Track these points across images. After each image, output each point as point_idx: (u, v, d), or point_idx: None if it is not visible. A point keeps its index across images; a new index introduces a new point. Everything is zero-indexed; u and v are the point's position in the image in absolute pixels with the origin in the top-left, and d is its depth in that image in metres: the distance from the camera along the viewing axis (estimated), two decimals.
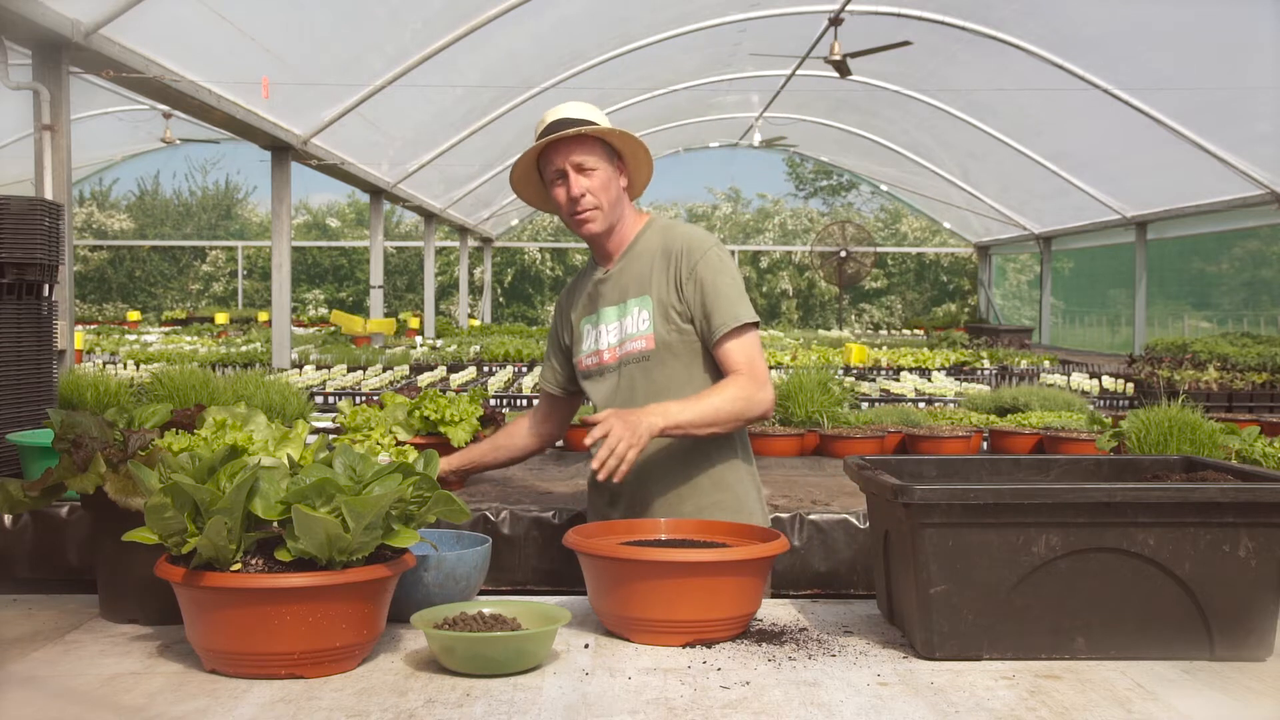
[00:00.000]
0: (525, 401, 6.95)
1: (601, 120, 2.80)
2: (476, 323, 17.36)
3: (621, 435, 2.45)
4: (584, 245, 3.10)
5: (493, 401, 6.30)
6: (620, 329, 2.79)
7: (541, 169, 2.82)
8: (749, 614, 2.05)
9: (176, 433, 2.17)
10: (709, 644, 1.98)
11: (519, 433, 3.13)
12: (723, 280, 2.72)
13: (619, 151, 2.80)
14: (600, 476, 2.45)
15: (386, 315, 14.83)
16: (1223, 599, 1.90)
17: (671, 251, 2.76)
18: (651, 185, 2.92)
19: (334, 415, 4.28)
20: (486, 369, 9.53)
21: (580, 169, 2.73)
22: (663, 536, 2.26)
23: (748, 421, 2.71)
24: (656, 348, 2.73)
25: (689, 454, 2.75)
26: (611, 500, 2.80)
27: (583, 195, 2.73)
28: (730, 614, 2.00)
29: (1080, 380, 7.85)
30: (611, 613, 2.03)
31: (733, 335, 2.70)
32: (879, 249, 22.14)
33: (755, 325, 2.73)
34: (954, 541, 1.88)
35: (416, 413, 3.47)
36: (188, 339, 13.35)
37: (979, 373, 9.63)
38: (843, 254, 20.23)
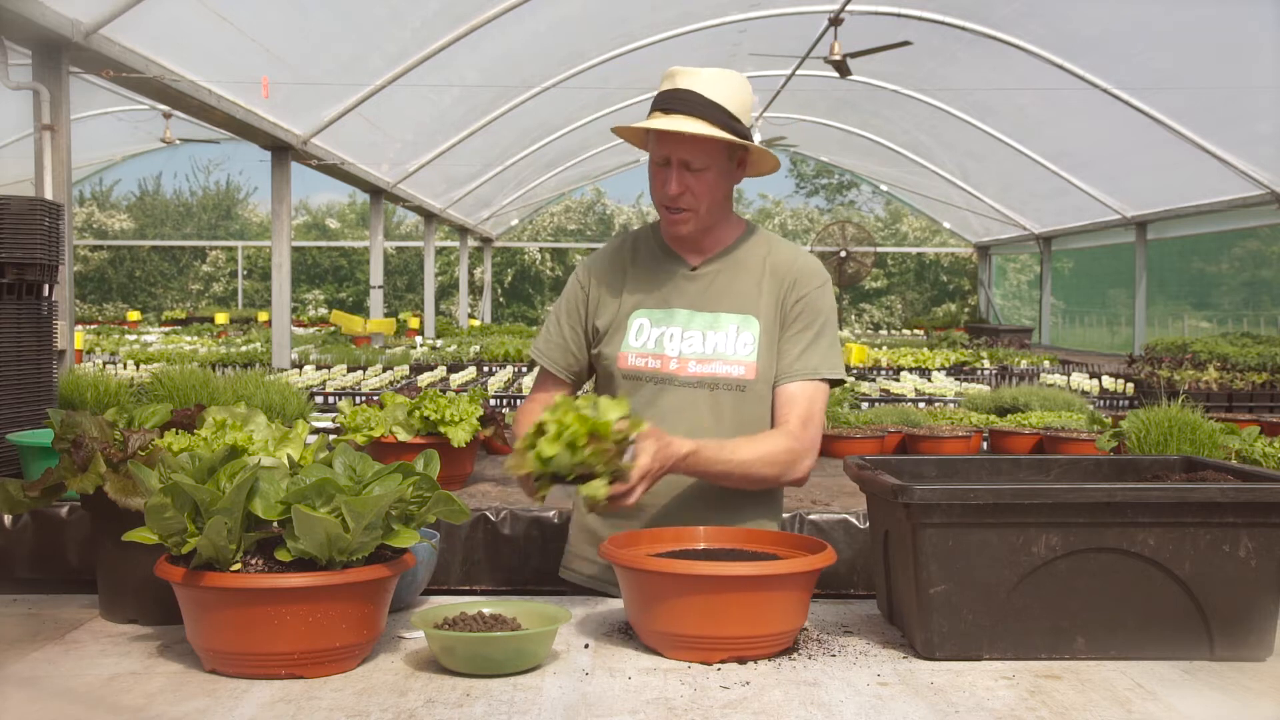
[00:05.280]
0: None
1: (734, 106, 2.33)
2: (476, 323, 17.35)
3: (654, 470, 2.07)
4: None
5: (493, 401, 6.29)
6: (704, 342, 2.41)
7: (649, 138, 2.39)
8: (794, 629, 1.93)
9: (176, 433, 2.17)
10: (743, 660, 1.88)
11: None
12: (831, 322, 2.43)
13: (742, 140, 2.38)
14: (602, 510, 2.04)
15: (386, 315, 14.82)
16: (1223, 599, 1.90)
17: (783, 271, 2.43)
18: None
19: (334, 415, 4.28)
20: (486, 369, 9.52)
21: (687, 167, 2.34)
22: (701, 545, 2.12)
23: (779, 486, 2.41)
24: (758, 380, 2.38)
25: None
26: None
27: (680, 195, 2.35)
28: (774, 630, 1.89)
29: (1080, 380, 7.84)
30: (645, 627, 1.92)
31: (807, 382, 2.38)
32: (879, 249, 22.14)
33: (833, 385, 2.43)
34: (954, 541, 1.88)
35: (416, 413, 3.46)
36: (188, 339, 13.35)
37: (979, 373, 9.62)
38: (843, 254, 20.21)
